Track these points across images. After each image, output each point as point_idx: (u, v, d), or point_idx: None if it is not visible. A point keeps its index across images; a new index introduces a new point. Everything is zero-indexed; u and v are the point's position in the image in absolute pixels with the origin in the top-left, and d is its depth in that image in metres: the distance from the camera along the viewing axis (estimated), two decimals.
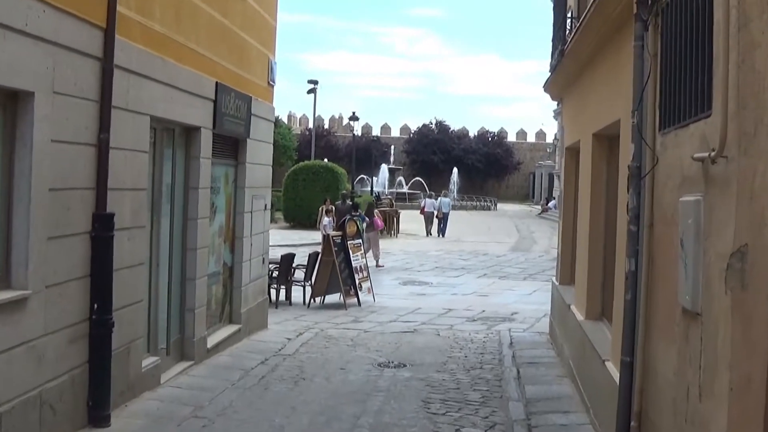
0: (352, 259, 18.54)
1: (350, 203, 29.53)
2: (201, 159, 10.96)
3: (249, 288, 13.75)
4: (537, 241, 38.94)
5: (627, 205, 6.43)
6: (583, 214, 10.62)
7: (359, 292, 18.50)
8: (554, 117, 75.22)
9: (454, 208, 44.79)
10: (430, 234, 40.69)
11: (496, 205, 74.96)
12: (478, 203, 74.34)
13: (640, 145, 6.26)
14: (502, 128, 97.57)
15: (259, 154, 14.07)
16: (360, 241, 19.32)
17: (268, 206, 14.91)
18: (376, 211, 28.52)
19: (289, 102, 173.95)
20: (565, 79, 12.09)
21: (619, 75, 8.00)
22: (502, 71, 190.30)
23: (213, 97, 11.33)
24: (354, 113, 44.63)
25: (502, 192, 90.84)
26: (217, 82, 11.42)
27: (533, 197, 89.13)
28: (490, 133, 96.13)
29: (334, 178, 39.17)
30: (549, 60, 12.89)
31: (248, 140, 13.25)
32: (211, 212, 11.97)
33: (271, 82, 14.68)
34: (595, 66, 9.61)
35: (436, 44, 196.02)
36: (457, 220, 46.80)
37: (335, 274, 18.10)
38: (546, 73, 13.73)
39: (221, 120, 11.64)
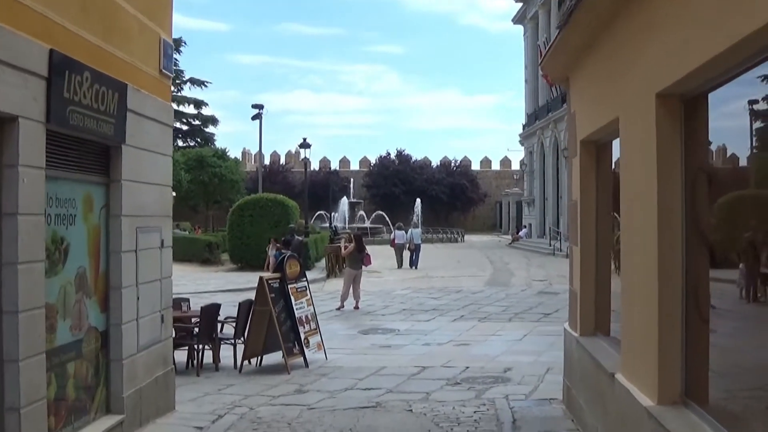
0: (294, 307, 14.41)
1: (299, 239, 25.53)
2: (21, 168, 6.81)
3: (138, 359, 9.58)
4: (514, 273, 34.94)
5: None
6: (638, 229, 6.60)
7: (306, 350, 14.36)
8: (520, 142, 72.08)
9: None
10: (401, 267, 38.84)
11: (463, 236, 71.20)
12: (444, 235, 70.46)
13: None
14: (465, 156, 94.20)
15: (148, 169, 9.97)
16: (305, 284, 15.15)
17: (168, 242, 10.73)
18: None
19: (249, 143, 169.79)
20: (589, 31, 8.11)
21: None
22: (462, 106, 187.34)
23: (45, 73, 7.22)
24: (305, 139, 40.36)
25: (468, 223, 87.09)
26: (52, 50, 7.31)
27: (501, 227, 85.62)
28: (454, 161, 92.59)
29: (284, 212, 34.99)
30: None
31: (125, 147, 9.15)
32: (57, 252, 7.84)
33: (164, 71, 10.59)
34: None
35: (395, 81, 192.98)
36: (424, 254, 43.03)
37: (273, 328, 13.97)
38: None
39: (63, 110, 7.53)
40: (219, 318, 14.63)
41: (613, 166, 8.95)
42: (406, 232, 41.23)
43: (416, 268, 38.39)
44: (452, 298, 25.10)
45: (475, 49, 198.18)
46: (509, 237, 67.92)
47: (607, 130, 8.11)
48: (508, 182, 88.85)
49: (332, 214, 66.69)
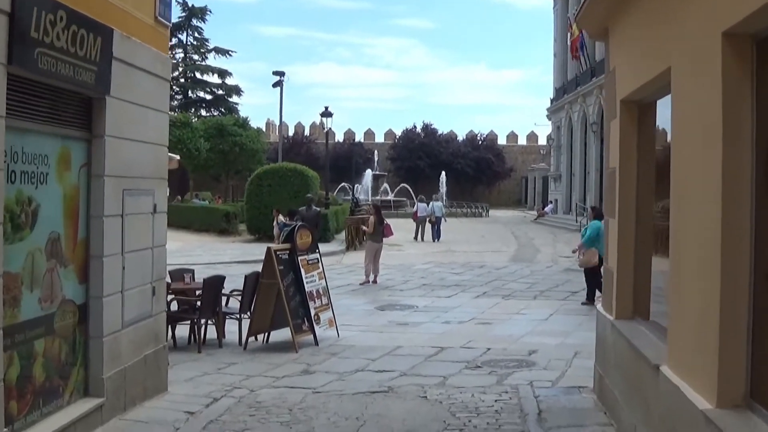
0: (305, 281, 13.45)
1: (317, 209, 24.53)
2: None
3: (123, 336, 8.65)
4: (540, 249, 33.80)
5: None
6: (694, 198, 5.56)
7: (316, 327, 13.41)
8: (547, 117, 70.67)
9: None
10: (422, 239, 38.58)
11: (488, 211, 69.95)
12: (468, 210, 69.25)
13: None
14: (491, 131, 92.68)
15: (138, 125, 8.99)
16: (317, 256, 14.17)
17: (161, 207, 9.76)
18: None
19: (275, 115, 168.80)
20: None
21: None
22: (489, 81, 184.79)
23: (6, 7, 6.23)
24: (327, 108, 39.25)
25: (493, 198, 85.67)
26: None
27: (526, 202, 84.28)
28: (480, 135, 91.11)
29: (303, 182, 34.01)
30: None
31: (110, 100, 8.18)
32: (23, 215, 6.89)
33: (160, 18, 9.58)
34: None
35: (423, 54, 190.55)
36: (447, 227, 42.12)
37: (281, 302, 13.02)
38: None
39: (29, 52, 6.54)
40: (224, 291, 13.76)
41: (657, 130, 7.93)
42: (428, 205, 40.84)
43: (438, 240, 38.25)
44: (475, 274, 24.07)
45: (503, 24, 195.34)
46: (535, 212, 66.67)
47: (655, 86, 7.05)
48: (534, 157, 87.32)
49: (355, 186, 65.74)
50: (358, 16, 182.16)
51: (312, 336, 13.33)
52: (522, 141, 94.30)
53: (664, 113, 7.54)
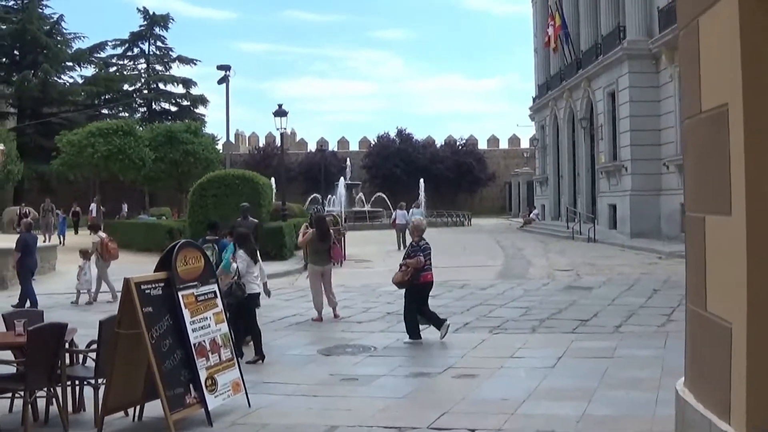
0: (189, 328, 8.82)
1: (254, 221, 19.95)
2: None
3: None
4: (531, 262, 29.07)
5: None
6: None
7: (209, 396, 8.77)
8: (530, 117, 66.46)
9: None
10: (404, 248, 34.44)
11: (470, 219, 65.48)
12: (449, 219, 64.77)
13: None
14: (471, 135, 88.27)
15: None
16: (213, 289, 9.50)
17: None
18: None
19: (250, 129, 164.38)
20: None
21: None
22: (467, 89, 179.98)
23: None
24: (280, 106, 34.50)
25: (475, 205, 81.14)
26: None
27: (510, 209, 79.90)
28: (460, 139, 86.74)
29: (254, 191, 29.21)
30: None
31: None
32: None
33: None
34: None
35: (399, 66, 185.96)
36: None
37: (151, 363, 8.39)
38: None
39: None
40: (74, 345, 9.18)
41: None
42: (408, 212, 38.52)
43: None
44: (454, 297, 19.37)
45: (479, 33, 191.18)
46: (520, 220, 62.28)
47: None
48: (517, 161, 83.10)
49: (329, 196, 61.65)
50: (335, 30, 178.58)
51: (203, 410, 8.73)
52: (503, 145, 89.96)
53: None
